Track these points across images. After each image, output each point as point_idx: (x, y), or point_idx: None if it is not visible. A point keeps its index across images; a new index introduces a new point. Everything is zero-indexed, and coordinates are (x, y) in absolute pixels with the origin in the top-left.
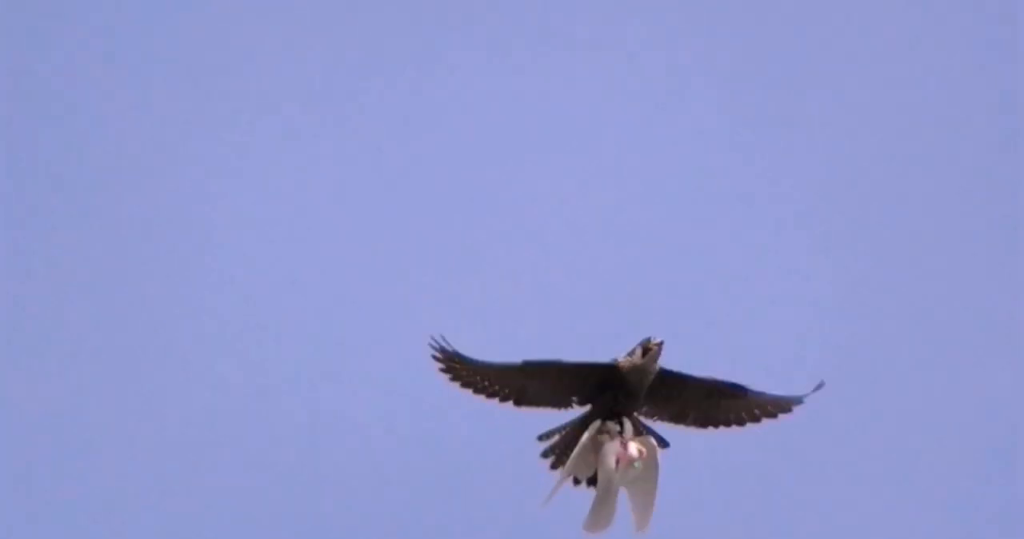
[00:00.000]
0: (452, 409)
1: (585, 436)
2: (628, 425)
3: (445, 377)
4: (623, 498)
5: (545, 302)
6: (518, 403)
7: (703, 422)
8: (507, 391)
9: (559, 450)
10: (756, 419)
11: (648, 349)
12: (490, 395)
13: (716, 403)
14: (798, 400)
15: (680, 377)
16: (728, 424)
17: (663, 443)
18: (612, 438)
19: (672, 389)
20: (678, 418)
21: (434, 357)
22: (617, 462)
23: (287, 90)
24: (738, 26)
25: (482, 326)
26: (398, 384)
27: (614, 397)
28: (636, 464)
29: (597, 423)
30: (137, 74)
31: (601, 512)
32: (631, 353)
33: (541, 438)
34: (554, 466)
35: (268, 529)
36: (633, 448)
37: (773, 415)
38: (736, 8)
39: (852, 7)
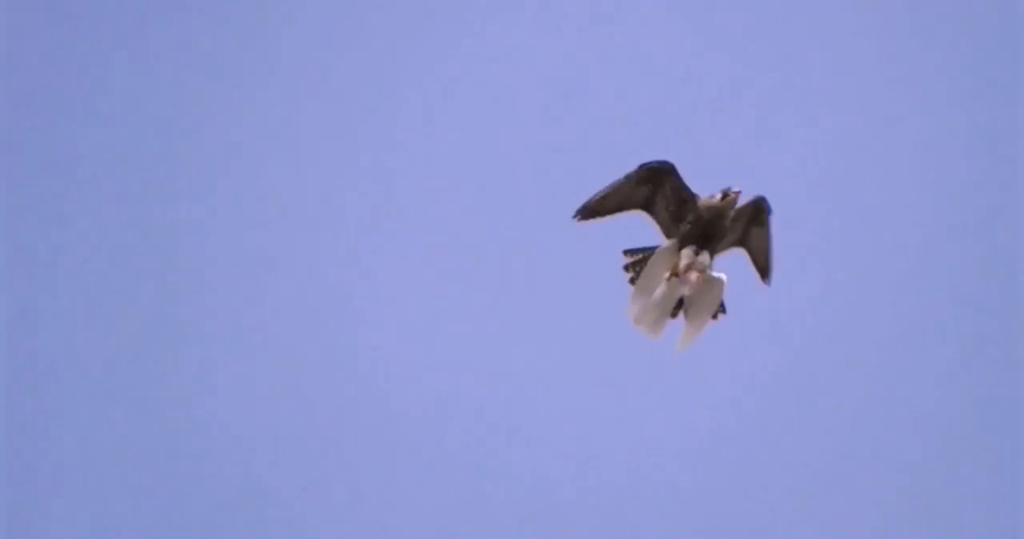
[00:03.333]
0: None
1: (659, 250)
2: (706, 257)
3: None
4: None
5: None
6: (646, 209)
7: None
8: (632, 200)
9: (639, 268)
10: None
11: (727, 195)
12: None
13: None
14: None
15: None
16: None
17: (723, 309)
18: (682, 258)
19: (740, 220)
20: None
21: (579, 220)
22: (671, 276)
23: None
24: None
25: None
26: None
27: (691, 231)
28: (686, 287)
29: (673, 242)
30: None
31: (651, 314)
32: (712, 195)
33: (627, 252)
34: (632, 282)
35: None
36: (693, 274)
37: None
38: None
39: None
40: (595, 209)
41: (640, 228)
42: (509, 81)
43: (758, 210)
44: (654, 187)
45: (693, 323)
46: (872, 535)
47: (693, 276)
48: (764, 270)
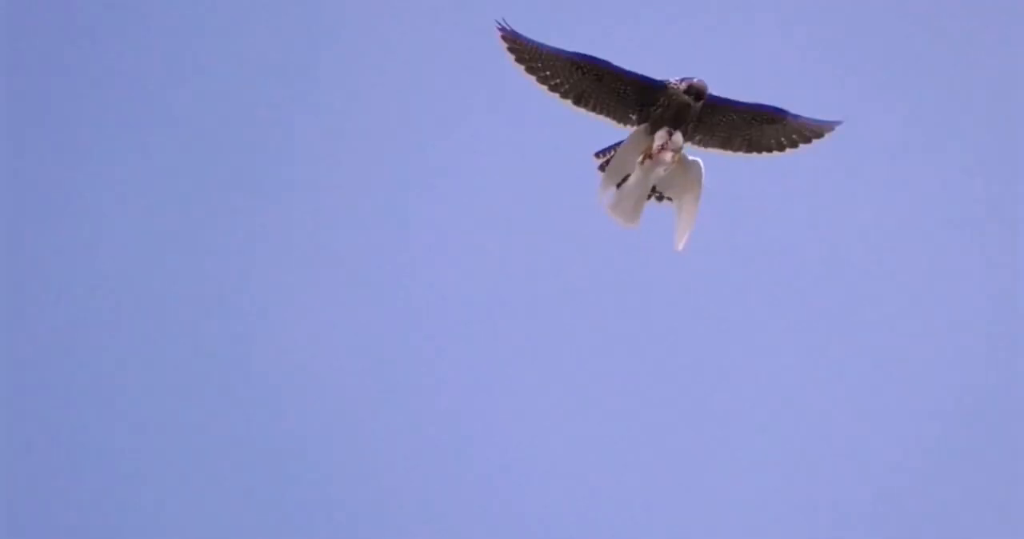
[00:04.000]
0: None
1: (630, 135)
2: (679, 137)
3: (510, 58)
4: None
5: None
6: (578, 103)
7: (748, 147)
8: (567, 87)
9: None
10: (794, 145)
11: (691, 87)
12: (552, 88)
13: (760, 128)
14: (834, 124)
15: (726, 103)
16: (771, 149)
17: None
18: (655, 139)
19: (719, 115)
20: (726, 144)
21: (502, 36)
22: (645, 158)
23: None
24: None
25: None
26: None
27: (663, 115)
28: (662, 168)
29: (644, 126)
30: None
31: (626, 201)
32: (681, 80)
33: (597, 154)
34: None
35: None
36: (668, 154)
37: (808, 140)
38: None
39: None
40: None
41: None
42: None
43: (767, 113)
44: (608, 82)
45: (683, 215)
46: None
47: (668, 156)
48: (814, 132)
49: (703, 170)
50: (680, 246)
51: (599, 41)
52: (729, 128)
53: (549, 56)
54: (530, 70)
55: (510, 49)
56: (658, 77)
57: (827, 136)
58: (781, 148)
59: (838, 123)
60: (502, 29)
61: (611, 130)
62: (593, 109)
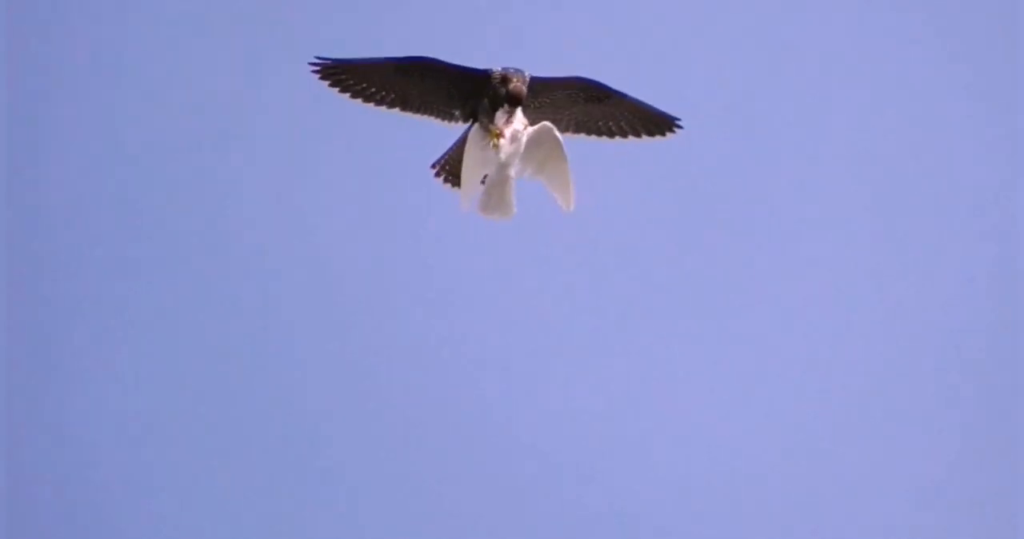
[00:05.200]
0: None
1: (469, 138)
2: (518, 114)
3: (333, 90)
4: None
5: None
6: (404, 107)
7: (578, 127)
8: (391, 95)
9: (451, 166)
10: (634, 133)
11: (507, 81)
12: (377, 101)
13: (584, 107)
14: (673, 120)
15: (545, 81)
16: (600, 133)
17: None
18: (497, 120)
19: (542, 96)
20: (554, 125)
21: (318, 74)
22: (496, 138)
23: None
24: None
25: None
26: None
27: (491, 104)
28: (513, 147)
29: (477, 124)
30: None
31: (494, 196)
32: (505, 69)
33: (433, 165)
34: (450, 182)
35: None
36: (516, 125)
37: (650, 133)
38: None
39: None
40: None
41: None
42: None
43: (587, 89)
44: (432, 80)
45: (557, 178)
46: None
47: (516, 126)
48: (653, 123)
49: (555, 131)
50: (570, 206)
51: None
52: (554, 109)
53: (372, 69)
54: (355, 94)
55: (332, 85)
56: (481, 67)
57: (669, 136)
58: (611, 134)
59: (677, 122)
60: (317, 68)
61: (439, 130)
62: (419, 110)
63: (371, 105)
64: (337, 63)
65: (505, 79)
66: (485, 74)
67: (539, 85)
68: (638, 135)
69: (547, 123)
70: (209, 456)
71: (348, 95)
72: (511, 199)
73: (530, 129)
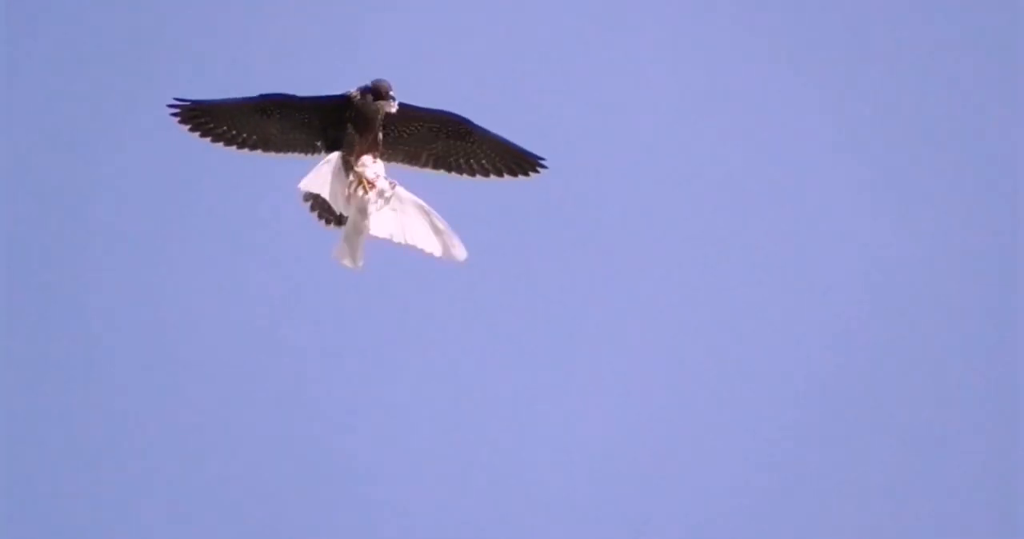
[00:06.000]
0: None
1: (328, 164)
2: (375, 162)
3: (192, 134)
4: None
5: None
6: (266, 148)
7: (436, 163)
8: (254, 137)
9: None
10: (486, 172)
11: (379, 97)
12: (240, 144)
13: (446, 142)
14: (535, 161)
15: (410, 109)
16: (460, 170)
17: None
18: (365, 167)
19: (404, 125)
20: (412, 158)
21: (177, 118)
22: (366, 185)
23: None
24: None
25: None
26: None
27: (353, 130)
28: (386, 194)
29: (338, 154)
30: None
31: (348, 242)
32: (364, 89)
33: (307, 197)
34: (322, 217)
35: None
36: (371, 171)
37: (512, 172)
38: None
39: None
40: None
41: None
42: None
43: (451, 124)
44: (286, 117)
45: (427, 230)
46: None
47: (385, 184)
48: (515, 162)
49: (409, 195)
50: (460, 258)
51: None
52: (415, 141)
53: (232, 110)
54: (216, 138)
55: (193, 129)
56: (337, 92)
57: (532, 176)
58: (471, 171)
59: (541, 162)
60: (176, 110)
61: (303, 163)
62: (281, 149)
63: (233, 149)
64: (196, 105)
65: (375, 88)
66: (343, 98)
67: (407, 112)
68: (499, 174)
69: (396, 183)
70: None
71: (209, 139)
72: (361, 253)
73: (398, 190)
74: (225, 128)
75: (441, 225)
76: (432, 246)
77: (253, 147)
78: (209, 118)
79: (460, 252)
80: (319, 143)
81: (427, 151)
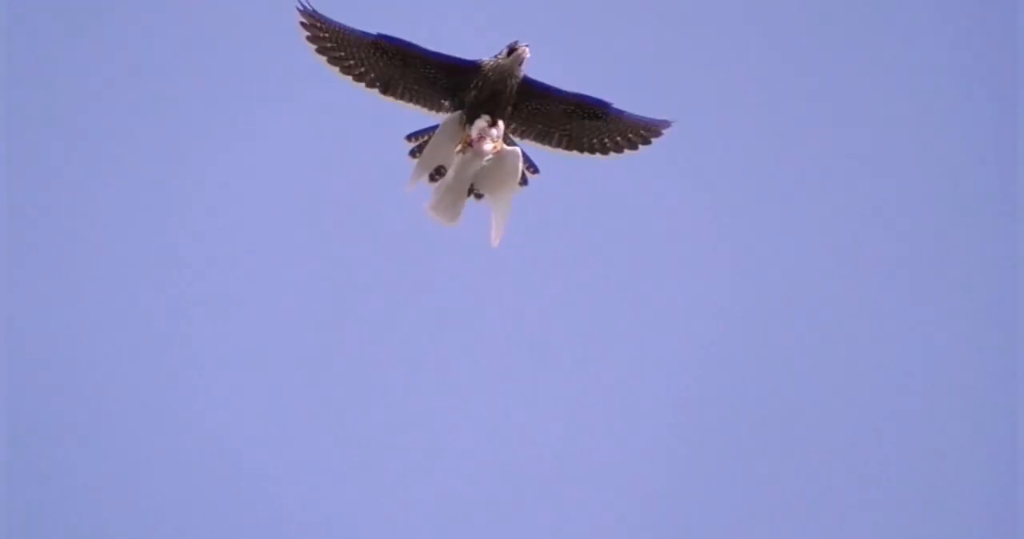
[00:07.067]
0: None
1: (444, 122)
2: (500, 127)
3: (310, 48)
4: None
5: None
6: (385, 91)
7: (568, 144)
8: (372, 75)
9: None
10: (619, 148)
11: (513, 50)
12: (357, 77)
13: (580, 123)
14: (663, 124)
15: (545, 89)
16: (592, 150)
17: (533, 168)
18: (474, 128)
19: (537, 103)
20: (544, 137)
21: (302, 21)
22: (465, 146)
23: None
24: None
25: None
26: None
27: (477, 98)
28: (485, 158)
29: (459, 113)
30: None
31: (446, 200)
32: (497, 54)
33: (410, 137)
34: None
35: None
36: (487, 144)
37: (634, 146)
38: None
39: None
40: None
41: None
42: None
43: (587, 106)
44: (412, 68)
45: (498, 208)
46: None
47: (487, 145)
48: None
49: (520, 161)
50: (495, 242)
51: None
52: (547, 120)
53: (352, 40)
54: (332, 60)
55: (310, 39)
56: (470, 57)
57: (655, 141)
58: (605, 150)
59: (668, 123)
60: (303, 10)
61: (424, 117)
62: (402, 97)
63: (350, 80)
64: (322, 19)
65: (511, 46)
66: (474, 64)
67: (539, 90)
68: (633, 148)
69: (518, 151)
70: None
71: (325, 60)
72: (460, 209)
73: (501, 147)
74: (343, 54)
75: (508, 207)
76: (495, 220)
77: (371, 85)
78: (329, 38)
79: (497, 239)
80: (446, 102)
81: (560, 131)
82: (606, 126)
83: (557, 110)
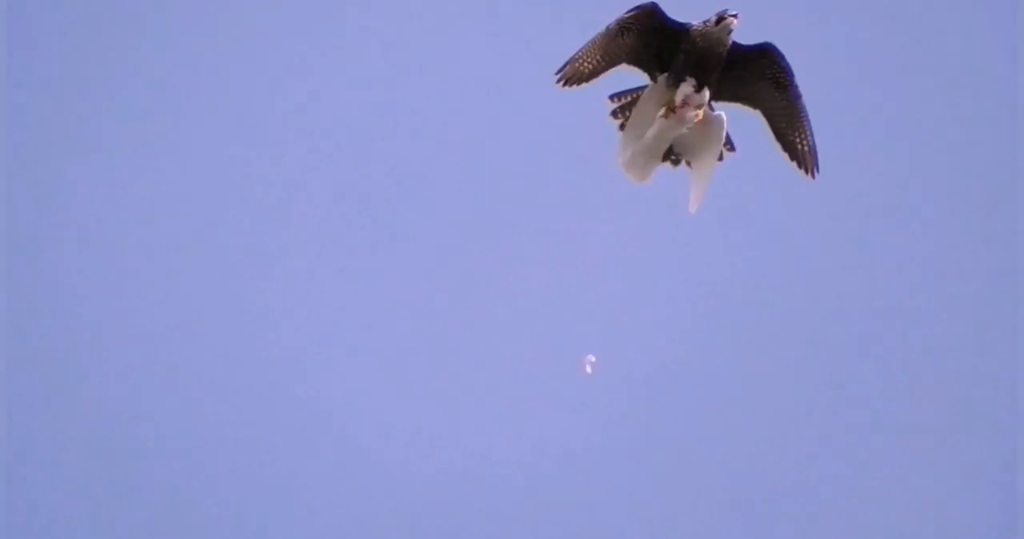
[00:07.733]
0: None
1: (651, 86)
2: (706, 93)
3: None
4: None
5: None
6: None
7: (764, 113)
8: (610, 57)
9: (628, 111)
10: (800, 145)
11: (722, 19)
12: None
13: (768, 91)
14: (808, 163)
15: (739, 50)
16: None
17: (730, 146)
18: (679, 93)
19: (738, 68)
20: (752, 101)
21: (562, 85)
22: (668, 111)
23: None
24: None
25: None
26: None
27: (684, 62)
28: (687, 124)
29: (665, 76)
30: None
31: (641, 159)
32: (706, 20)
33: (612, 98)
34: (622, 127)
35: None
36: (690, 111)
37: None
38: None
39: None
40: (578, 71)
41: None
42: None
43: (774, 66)
44: (638, 35)
45: (699, 174)
46: None
47: (690, 112)
48: (796, 149)
49: (725, 127)
50: (693, 208)
51: None
52: (743, 83)
53: (597, 47)
54: (583, 80)
55: (568, 84)
56: (681, 21)
57: (797, 173)
58: (786, 139)
59: (810, 172)
60: (559, 79)
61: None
62: (626, 62)
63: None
64: (572, 68)
65: (720, 18)
66: (684, 29)
67: (736, 54)
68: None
69: (723, 116)
70: None
71: (578, 85)
72: (652, 170)
73: (706, 113)
74: (591, 68)
75: (706, 177)
76: (695, 186)
77: (609, 65)
78: (586, 66)
79: (694, 206)
80: (656, 65)
81: (756, 105)
82: (784, 108)
83: (753, 70)
